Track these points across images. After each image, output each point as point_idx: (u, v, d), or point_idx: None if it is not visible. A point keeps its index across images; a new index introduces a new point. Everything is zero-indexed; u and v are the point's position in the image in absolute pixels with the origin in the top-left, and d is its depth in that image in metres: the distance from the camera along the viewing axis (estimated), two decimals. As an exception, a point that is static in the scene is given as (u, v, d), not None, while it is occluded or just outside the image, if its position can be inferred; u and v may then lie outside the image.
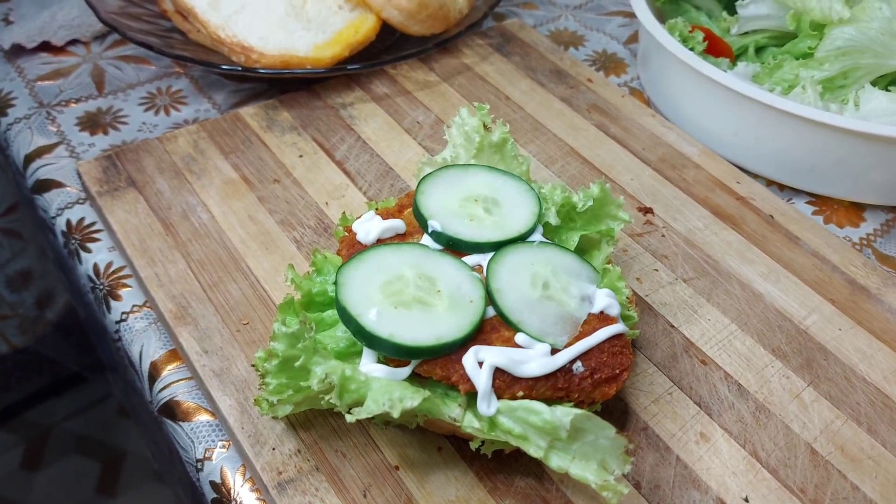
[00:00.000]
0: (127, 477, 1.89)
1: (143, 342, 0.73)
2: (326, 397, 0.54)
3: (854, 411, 0.67)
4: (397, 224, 0.65)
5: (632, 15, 1.21)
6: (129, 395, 0.94)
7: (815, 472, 0.63)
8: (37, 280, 1.56)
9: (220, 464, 0.64)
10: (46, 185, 0.89)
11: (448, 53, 1.06)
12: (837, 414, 0.67)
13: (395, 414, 0.52)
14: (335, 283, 0.58)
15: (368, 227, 0.65)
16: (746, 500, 0.61)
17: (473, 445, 0.58)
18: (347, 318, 0.56)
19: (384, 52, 1.01)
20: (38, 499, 1.83)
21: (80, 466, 1.90)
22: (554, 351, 0.57)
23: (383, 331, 0.55)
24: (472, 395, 0.56)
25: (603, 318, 0.60)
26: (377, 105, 0.97)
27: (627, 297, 0.65)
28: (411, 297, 0.58)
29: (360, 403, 0.54)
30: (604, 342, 0.58)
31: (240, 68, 0.92)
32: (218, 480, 0.64)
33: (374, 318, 0.55)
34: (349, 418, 0.53)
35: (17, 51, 1.07)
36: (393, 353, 0.55)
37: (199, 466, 0.66)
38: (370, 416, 0.52)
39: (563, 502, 0.60)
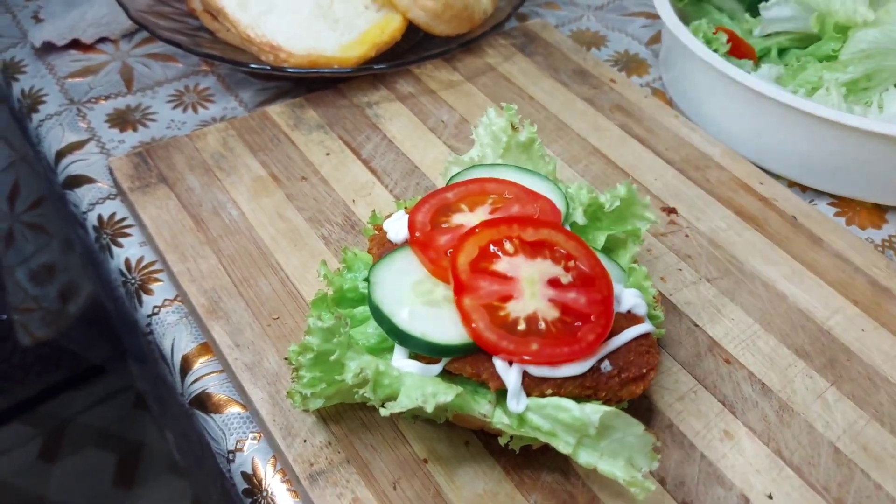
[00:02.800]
0: (143, 469, 1.91)
1: (174, 336, 0.75)
2: (360, 391, 0.55)
3: (877, 411, 0.68)
4: (427, 223, 0.66)
5: (653, 16, 1.21)
6: (158, 387, 0.96)
7: (839, 471, 0.63)
8: (60, 274, 1.58)
9: (251, 455, 0.66)
10: (77, 181, 0.91)
11: (472, 53, 1.07)
12: (861, 414, 0.67)
13: (429, 409, 0.53)
14: (368, 282, 0.59)
15: (398, 226, 0.66)
16: (770, 497, 0.61)
17: (502, 441, 0.59)
18: (381, 317, 0.57)
19: (409, 51, 1.02)
20: (55, 490, 1.86)
21: (97, 458, 1.92)
22: (583, 349, 0.58)
23: (416, 329, 0.56)
24: (501, 392, 0.57)
25: (630, 318, 0.61)
26: (402, 104, 0.98)
27: (654, 297, 0.66)
28: (441, 297, 0.59)
29: (392, 398, 0.55)
30: (631, 341, 0.59)
31: (268, 67, 0.93)
32: (249, 471, 0.65)
33: (406, 318, 0.56)
34: (383, 412, 0.54)
35: (48, 48, 1.09)
36: (425, 352, 0.56)
37: (231, 458, 0.67)
38: (403, 410, 0.54)
39: (590, 497, 0.61)
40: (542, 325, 0.56)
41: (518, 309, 0.57)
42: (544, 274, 0.59)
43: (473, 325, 0.55)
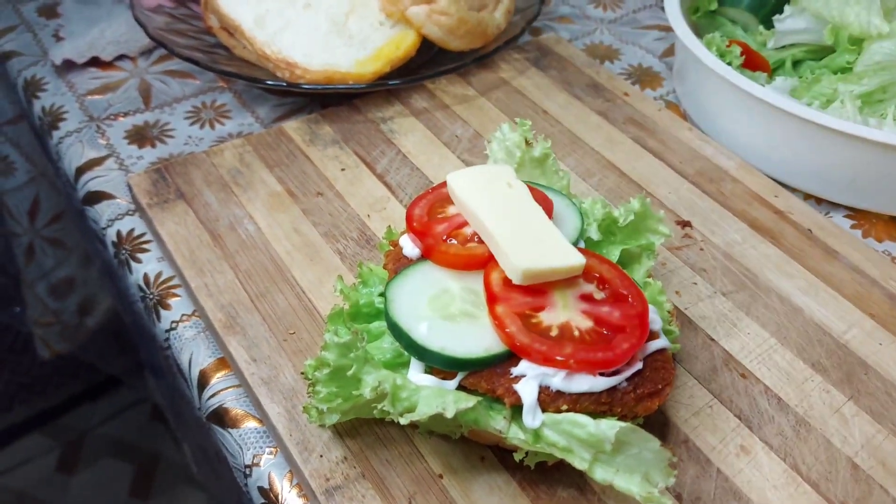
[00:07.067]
0: (160, 481, 1.92)
1: (192, 350, 0.76)
2: (379, 405, 0.56)
3: (895, 426, 0.67)
4: (442, 238, 0.67)
5: (667, 28, 1.21)
6: (175, 400, 0.96)
7: (857, 487, 0.63)
8: (79, 288, 1.60)
9: (267, 470, 0.66)
10: (97, 197, 0.92)
11: (486, 68, 1.08)
12: (879, 428, 0.67)
13: (449, 414, 0.53)
14: (384, 297, 0.60)
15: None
16: (788, 513, 0.61)
17: (518, 457, 0.59)
18: (399, 333, 0.57)
19: (423, 67, 1.02)
20: (73, 501, 1.87)
21: (115, 470, 1.94)
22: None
23: (434, 344, 0.56)
24: (516, 408, 0.57)
25: (645, 333, 0.61)
26: (416, 119, 0.99)
27: (669, 312, 0.66)
28: (458, 310, 0.59)
29: (410, 411, 0.56)
30: (647, 357, 0.59)
31: (284, 84, 0.94)
32: (266, 486, 0.66)
33: (424, 332, 0.57)
34: (403, 420, 0.55)
35: (68, 66, 1.10)
36: (444, 366, 0.56)
37: (248, 472, 0.67)
38: (423, 417, 0.54)
39: (606, 513, 0.61)
40: (576, 333, 0.57)
41: (551, 318, 0.58)
42: (576, 289, 0.60)
43: (507, 329, 0.56)
